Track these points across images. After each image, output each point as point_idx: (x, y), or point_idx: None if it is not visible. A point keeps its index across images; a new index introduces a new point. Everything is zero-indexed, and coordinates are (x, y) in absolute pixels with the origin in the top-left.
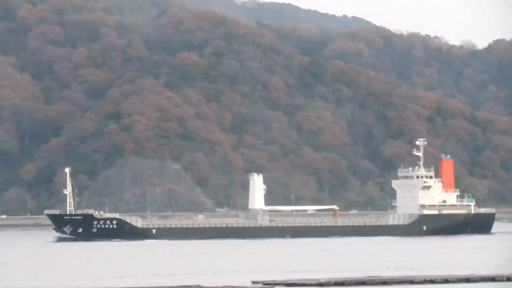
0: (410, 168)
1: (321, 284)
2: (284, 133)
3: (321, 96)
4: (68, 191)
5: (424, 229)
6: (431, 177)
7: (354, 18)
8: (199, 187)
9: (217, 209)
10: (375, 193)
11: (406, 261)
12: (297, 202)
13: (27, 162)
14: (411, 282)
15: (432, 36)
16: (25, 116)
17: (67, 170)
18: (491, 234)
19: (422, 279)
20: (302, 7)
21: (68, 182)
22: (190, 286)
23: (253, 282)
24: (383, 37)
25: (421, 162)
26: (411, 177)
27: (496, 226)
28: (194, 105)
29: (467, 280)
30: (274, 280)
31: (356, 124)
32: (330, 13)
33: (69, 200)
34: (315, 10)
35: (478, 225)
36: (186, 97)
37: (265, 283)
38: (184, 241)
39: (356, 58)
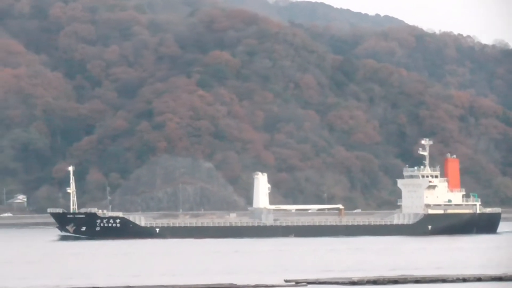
0: (415, 168)
1: (353, 283)
2: (316, 132)
3: (354, 95)
4: (71, 189)
5: (429, 228)
6: (436, 176)
7: (386, 17)
8: (231, 186)
9: (249, 208)
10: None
11: (428, 260)
12: (329, 201)
13: (59, 161)
14: (444, 280)
15: (464, 35)
16: (57, 114)
17: (70, 168)
18: (497, 234)
19: (455, 278)
20: (335, 6)
21: (71, 180)
22: (223, 284)
23: (286, 281)
24: (415, 36)
25: (427, 162)
26: (417, 177)
27: (503, 226)
28: (226, 104)
29: (500, 278)
30: (306, 279)
31: (388, 123)
32: (363, 12)
33: (73, 198)
34: (347, 9)
35: (484, 224)
36: (218, 95)
37: (297, 282)
38: (188, 239)
39: (388, 57)
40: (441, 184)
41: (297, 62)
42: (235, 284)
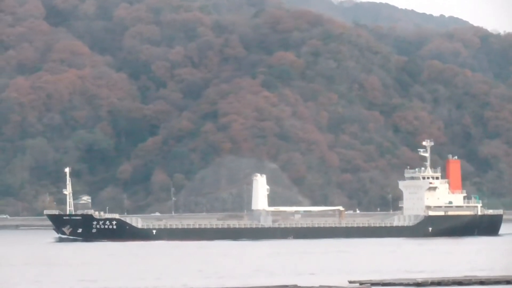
0: (416, 169)
1: (418, 284)
2: (381, 133)
3: (418, 95)
4: (68, 191)
5: (430, 230)
6: (437, 178)
7: (451, 18)
8: (296, 187)
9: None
10: (472, 193)
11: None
12: (393, 203)
13: (124, 161)
14: (508, 282)
15: None
16: (122, 115)
17: (66, 170)
18: (498, 235)
19: None
20: (399, 7)
21: (68, 182)
22: (287, 285)
23: (350, 282)
24: (480, 37)
25: (428, 163)
26: (417, 178)
27: (505, 228)
28: (291, 105)
29: None
30: (370, 280)
31: (453, 124)
32: (427, 12)
33: (69, 200)
34: (412, 10)
35: (485, 226)
36: (283, 96)
37: (361, 283)
38: (185, 242)
39: (453, 58)
40: (442, 186)
41: (361, 63)
42: (299, 286)
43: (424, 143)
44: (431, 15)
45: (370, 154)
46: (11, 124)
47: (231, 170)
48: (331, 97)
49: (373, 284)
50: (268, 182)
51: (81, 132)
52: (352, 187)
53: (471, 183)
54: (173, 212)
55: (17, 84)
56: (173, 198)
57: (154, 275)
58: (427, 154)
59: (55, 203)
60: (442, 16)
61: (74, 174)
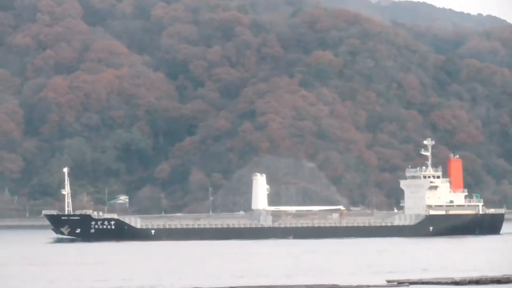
0: (417, 168)
1: (456, 283)
2: (419, 132)
3: (456, 94)
4: (66, 191)
5: (431, 229)
6: (438, 177)
7: (489, 16)
8: (334, 186)
9: (352, 208)
10: (510, 191)
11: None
12: None
13: (162, 161)
14: None
15: None
16: (159, 114)
17: (65, 170)
18: (500, 235)
19: None
20: (437, 6)
21: (66, 182)
22: (325, 285)
23: (388, 281)
24: None
25: (429, 162)
26: (418, 177)
27: (507, 227)
28: (328, 104)
29: None
30: (409, 279)
31: (491, 122)
32: (465, 11)
33: (67, 200)
34: (449, 9)
35: (487, 226)
36: (320, 95)
37: (400, 282)
38: (185, 242)
39: (491, 56)
40: (443, 185)
41: (399, 62)
42: (337, 285)
43: (425, 142)
44: (468, 14)
45: (408, 153)
46: (49, 124)
47: (269, 169)
48: (369, 96)
49: (411, 283)
50: (306, 181)
51: (119, 131)
52: (390, 186)
53: (509, 182)
54: (210, 211)
55: (55, 84)
56: (211, 198)
57: (174, 275)
58: (428, 153)
59: (92, 202)
60: (480, 15)
61: (111, 174)
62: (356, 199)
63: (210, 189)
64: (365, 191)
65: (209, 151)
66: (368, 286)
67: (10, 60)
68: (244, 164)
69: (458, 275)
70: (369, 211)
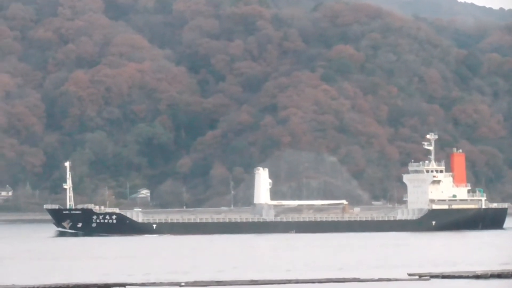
0: (420, 162)
1: (477, 277)
2: (441, 126)
3: (478, 89)
4: (68, 185)
5: (434, 224)
6: (441, 171)
7: (510, 11)
8: (355, 180)
9: (373, 202)
10: None
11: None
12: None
13: (183, 155)
14: None
15: None
16: (181, 109)
17: (67, 164)
18: (503, 229)
19: None
20: (459, 0)
21: (68, 176)
22: (346, 278)
23: (409, 275)
24: None
25: (432, 156)
26: (421, 172)
27: (510, 222)
28: (350, 98)
29: None
30: (430, 273)
31: None
32: (487, 6)
33: (69, 194)
34: (471, 3)
35: (490, 220)
36: (342, 90)
37: (421, 276)
38: (186, 236)
39: None
40: (446, 179)
41: (421, 56)
42: (358, 278)
43: (428, 136)
44: (490, 8)
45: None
46: (70, 118)
47: (290, 163)
48: (390, 90)
49: (432, 276)
50: (327, 176)
51: (141, 125)
52: None
53: None
54: (232, 205)
55: (76, 78)
56: (232, 192)
57: (193, 268)
58: (431, 147)
59: (114, 196)
60: (501, 9)
61: (133, 168)
62: (378, 194)
63: (232, 183)
64: (386, 186)
65: (231, 145)
66: (389, 279)
67: (31, 54)
68: (265, 159)
69: (479, 269)
70: (390, 206)
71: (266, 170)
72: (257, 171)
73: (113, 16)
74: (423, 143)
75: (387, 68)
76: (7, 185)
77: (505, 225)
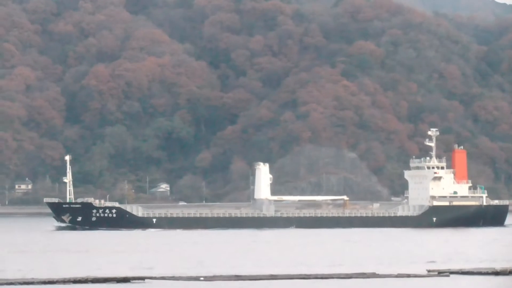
0: (422, 159)
1: (497, 273)
2: (460, 123)
3: (498, 85)
4: (68, 179)
5: (434, 220)
6: (442, 168)
7: None
8: (375, 176)
9: (392, 198)
10: None
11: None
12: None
13: (203, 150)
14: None
15: None
16: (201, 103)
17: (67, 157)
18: (504, 226)
19: None
20: None
21: (68, 170)
22: (365, 273)
23: (428, 271)
24: None
25: (433, 153)
26: (422, 168)
27: (511, 219)
28: (370, 94)
29: None
30: (449, 269)
31: None
32: (508, 2)
33: (69, 188)
34: (491, 0)
35: (491, 217)
36: (362, 85)
37: (440, 272)
38: (186, 230)
39: None
40: (447, 176)
41: (441, 53)
42: (377, 274)
43: (429, 132)
44: (511, 6)
45: (449, 144)
46: (90, 111)
47: (310, 159)
48: (410, 87)
49: (452, 272)
50: (347, 172)
51: (160, 120)
52: None
53: None
54: (251, 200)
55: (96, 72)
56: (252, 187)
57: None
58: (432, 144)
59: (133, 190)
60: None
61: (153, 162)
62: (397, 190)
63: (251, 178)
64: (406, 182)
65: (251, 141)
66: (408, 275)
67: (52, 47)
68: (285, 154)
69: (498, 265)
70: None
71: (267, 165)
72: (257, 167)
73: (134, 10)
74: (426, 139)
75: (407, 64)
76: (27, 178)
77: (506, 222)
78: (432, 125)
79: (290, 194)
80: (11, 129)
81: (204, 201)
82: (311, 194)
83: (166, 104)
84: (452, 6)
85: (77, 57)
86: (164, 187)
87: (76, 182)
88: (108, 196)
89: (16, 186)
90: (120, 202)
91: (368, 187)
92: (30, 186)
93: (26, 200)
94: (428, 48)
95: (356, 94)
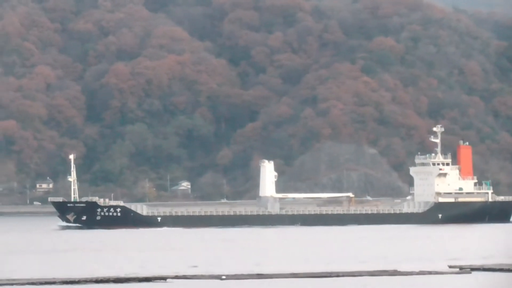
0: (427, 155)
1: None
2: (481, 118)
3: None
4: (72, 177)
5: (440, 217)
6: (447, 164)
7: None
8: (395, 172)
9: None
10: None
11: None
12: (494, 188)
13: (223, 147)
14: None
15: None
16: (221, 101)
17: (71, 156)
18: (510, 222)
19: None
20: None
21: (72, 168)
22: (386, 270)
23: (450, 267)
24: None
25: (438, 149)
26: (428, 164)
27: None
28: (390, 90)
29: None
30: (471, 265)
31: None
32: None
33: (73, 187)
34: None
35: (497, 213)
36: (382, 81)
37: (462, 268)
38: (191, 229)
39: None
40: (452, 172)
41: (461, 48)
42: (399, 271)
43: (434, 129)
44: None
45: (470, 139)
46: (110, 110)
47: (331, 155)
48: (430, 82)
49: (473, 269)
50: (367, 168)
51: (181, 117)
52: None
53: None
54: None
55: (116, 70)
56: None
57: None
58: (437, 140)
59: (154, 189)
60: None
61: (173, 160)
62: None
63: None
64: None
65: (271, 138)
66: (430, 272)
67: (71, 46)
68: (305, 150)
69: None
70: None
71: (271, 162)
72: (262, 164)
73: (153, 8)
74: (430, 135)
75: (427, 60)
76: (48, 177)
77: (511, 218)
78: (453, 121)
79: (312, 191)
80: (32, 128)
81: (225, 199)
82: (332, 190)
83: (187, 101)
84: (471, 2)
85: (97, 55)
86: (185, 185)
87: (97, 180)
88: (112, 195)
89: (37, 185)
90: (141, 201)
91: (389, 183)
92: (51, 185)
93: (47, 200)
94: (448, 44)
95: (376, 90)
